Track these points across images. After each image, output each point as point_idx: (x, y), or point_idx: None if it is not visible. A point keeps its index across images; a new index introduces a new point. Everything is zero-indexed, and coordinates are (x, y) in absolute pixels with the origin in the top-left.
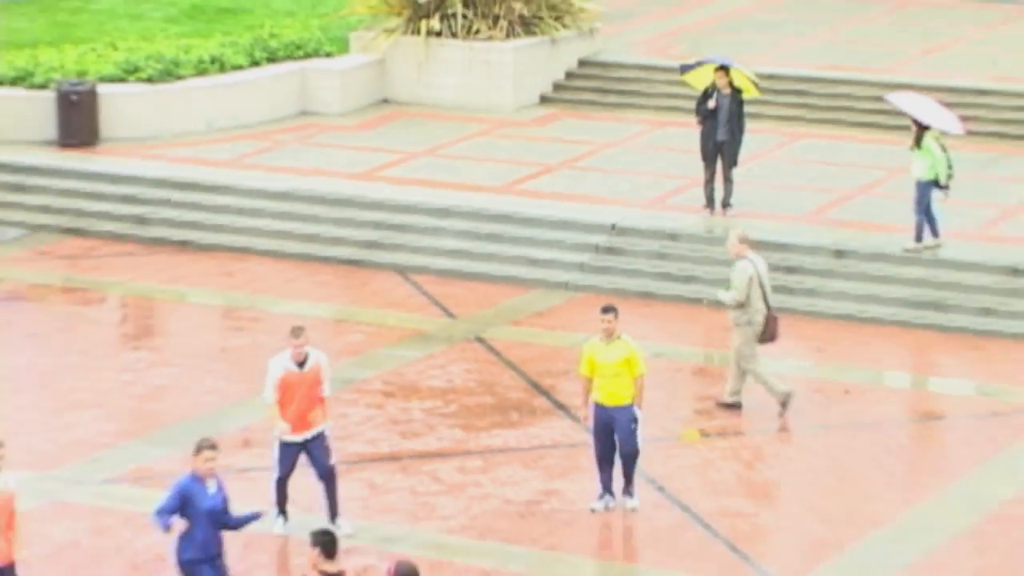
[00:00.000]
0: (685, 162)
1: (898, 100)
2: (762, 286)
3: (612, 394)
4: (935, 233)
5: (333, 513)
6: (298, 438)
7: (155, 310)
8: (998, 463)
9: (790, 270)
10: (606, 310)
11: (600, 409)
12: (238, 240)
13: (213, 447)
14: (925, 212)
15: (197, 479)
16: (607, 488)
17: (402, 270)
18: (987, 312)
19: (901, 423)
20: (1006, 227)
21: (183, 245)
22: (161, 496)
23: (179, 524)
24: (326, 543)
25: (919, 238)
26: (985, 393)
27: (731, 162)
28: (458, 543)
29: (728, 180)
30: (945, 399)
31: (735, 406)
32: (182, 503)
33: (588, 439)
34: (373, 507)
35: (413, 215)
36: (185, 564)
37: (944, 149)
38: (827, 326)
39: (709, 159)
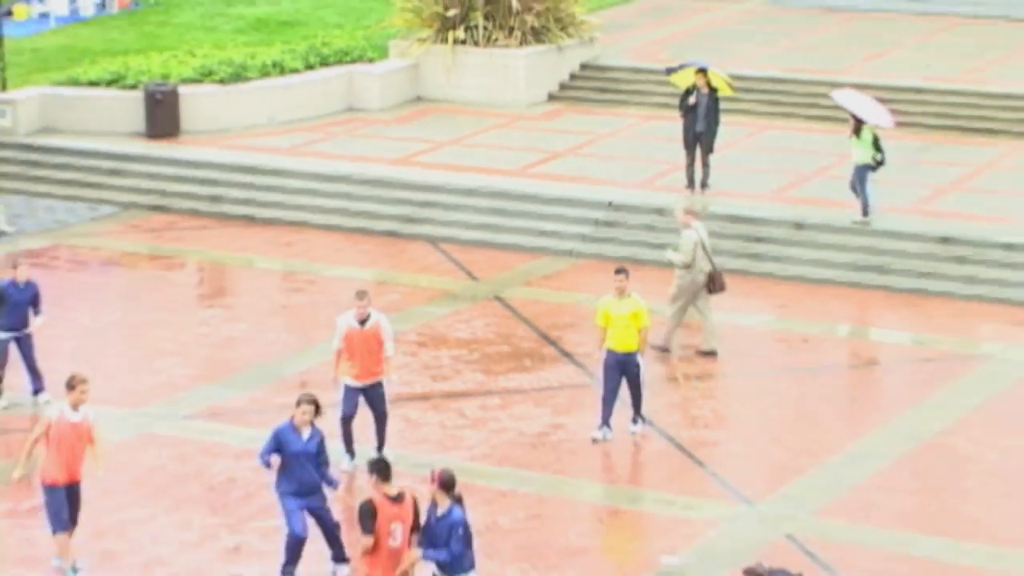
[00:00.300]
0: (670, 149)
1: (840, 97)
2: (705, 249)
3: (622, 342)
4: (866, 211)
5: (380, 445)
6: (360, 384)
7: (226, 274)
8: (931, 401)
9: (757, 240)
10: (619, 271)
11: (611, 354)
12: (295, 215)
13: (311, 402)
14: (855, 189)
15: (293, 427)
16: (606, 421)
17: (433, 240)
18: (922, 275)
19: (850, 368)
20: (938, 204)
21: (250, 220)
22: (262, 440)
23: (276, 460)
24: (381, 469)
25: (865, 212)
26: (920, 343)
27: (708, 149)
28: (480, 469)
29: (706, 164)
30: (887, 347)
31: (711, 353)
32: (278, 445)
33: (589, 381)
34: (409, 438)
35: (442, 194)
36: (279, 494)
37: (876, 138)
38: (788, 287)
39: (690, 147)
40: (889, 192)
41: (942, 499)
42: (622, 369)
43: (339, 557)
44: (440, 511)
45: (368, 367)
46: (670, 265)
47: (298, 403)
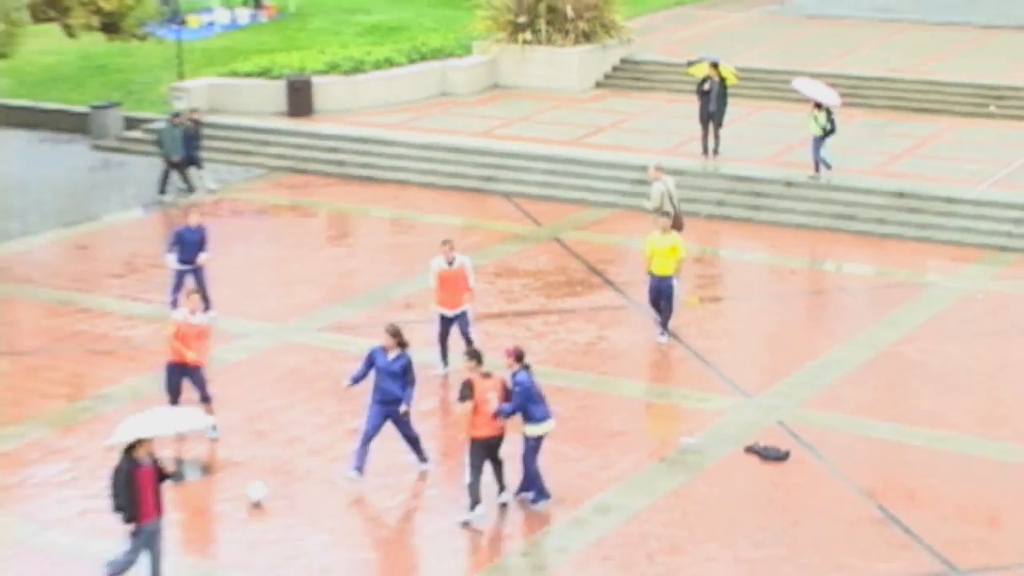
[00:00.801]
0: (688, 125)
1: (799, 85)
2: (671, 198)
3: (662, 267)
4: (817, 168)
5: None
6: (449, 313)
7: (348, 221)
8: (888, 318)
9: (756, 195)
10: (664, 214)
11: (653, 277)
12: (401, 176)
13: (391, 333)
14: (816, 154)
15: (381, 349)
16: (664, 327)
17: (507, 195)
18: (881, 221)
19: (826, 293)
20: (895, 166)
21: (366, 179)
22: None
23: (355, 386)
24: (476, 355)
25: (816, 168)
26: (880, 274)
27: (718, 125)
28: (543, 370)
29: (717, 137)
30: (854, 278)
31: None
32: (369, 363)
33: (627, 303)
34: (488, 347)
35: (514, 159)
36: (371, 402)
37: (830, 113)
38: (779, 231)
39: (704, 123)
40: (856, 157)
41: (896, 394)
42: (659, 288)
43: (420, 459)
44: (511, 374)
45: (455, 299)
46: (648, 212)
47: (384, 333)
